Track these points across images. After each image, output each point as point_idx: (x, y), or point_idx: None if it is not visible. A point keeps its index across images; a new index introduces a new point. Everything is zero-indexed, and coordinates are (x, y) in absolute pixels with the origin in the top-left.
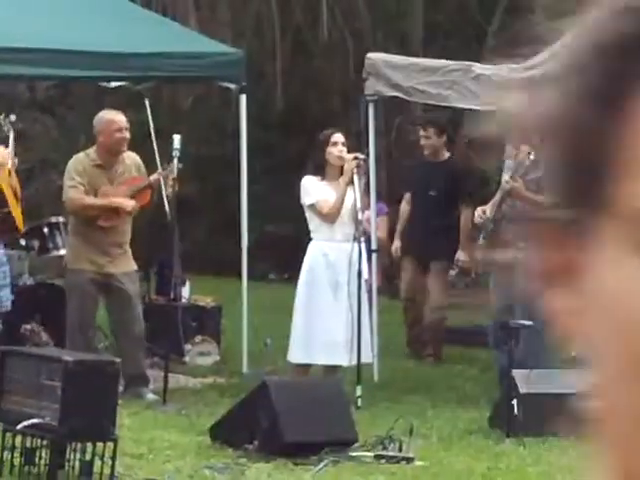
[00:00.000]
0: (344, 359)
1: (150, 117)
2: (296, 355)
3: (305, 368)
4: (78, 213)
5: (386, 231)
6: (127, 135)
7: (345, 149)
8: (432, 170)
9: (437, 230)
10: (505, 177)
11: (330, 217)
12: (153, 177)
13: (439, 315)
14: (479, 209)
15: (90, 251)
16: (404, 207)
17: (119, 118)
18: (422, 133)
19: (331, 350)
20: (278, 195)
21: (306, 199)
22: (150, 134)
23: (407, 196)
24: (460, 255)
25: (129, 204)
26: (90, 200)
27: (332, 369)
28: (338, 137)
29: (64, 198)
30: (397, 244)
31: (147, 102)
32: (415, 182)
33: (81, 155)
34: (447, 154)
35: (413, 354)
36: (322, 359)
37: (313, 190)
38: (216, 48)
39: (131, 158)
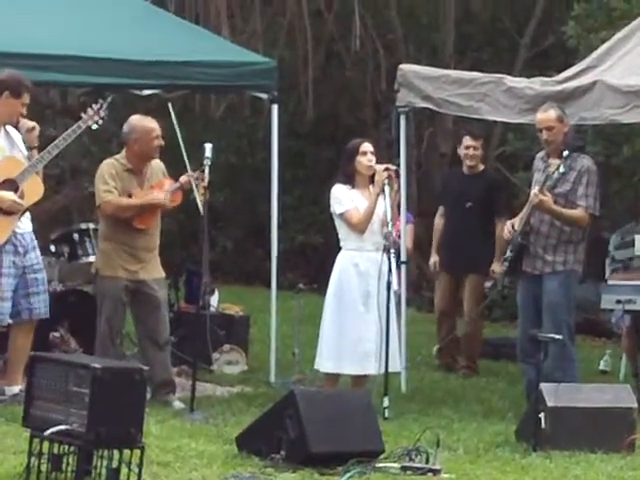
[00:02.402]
0: (374, 368)
1: (176, 123)
2: (326, 364)
3: (335, 378)
4: (115, 216)
5: (412, 241)
6: (162, 142)
7: (374, 158)
8: (469, 182)
9: (474, 243)
10: (534, 190)
11: (359, 227)
12: (183, 179)
13: (475, 327)
14: (508, 223)
15: (122, 257)
16: (438, 221)
17: (155, 125)
18: (471, 143)
19: (361, 360)
20: (308, 205)
21: (336, 208)
22: (178, 140)
23: (441, 209)
24: (495, 267)
25: (167, 197)
26: (127, 201)
27: (361, 380)
28: (367, 146)
29: (99, 202)
30: (435, 258)
31: (170, 107)
32: (451, 194)
33: (111, 160)
34: (482, 166)
35: (443, 367)
36: (352, 369)
37: (344, 199)
38: (248, 57)
39: (156, 162)
